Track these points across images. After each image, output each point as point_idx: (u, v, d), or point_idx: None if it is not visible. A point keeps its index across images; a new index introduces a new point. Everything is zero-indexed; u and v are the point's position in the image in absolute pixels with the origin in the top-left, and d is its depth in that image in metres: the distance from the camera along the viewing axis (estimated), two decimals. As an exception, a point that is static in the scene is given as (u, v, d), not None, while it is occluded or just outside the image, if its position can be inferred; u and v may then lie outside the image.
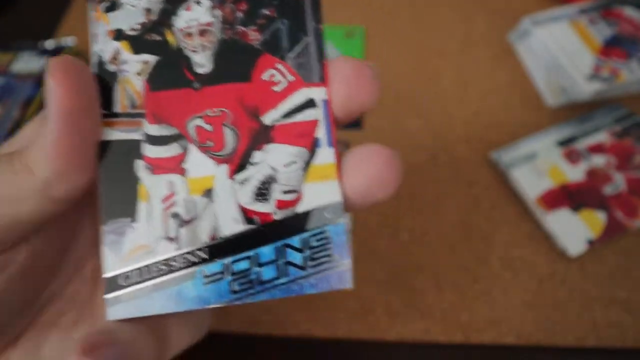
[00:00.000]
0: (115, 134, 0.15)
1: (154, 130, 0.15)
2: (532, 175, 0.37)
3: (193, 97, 0.15)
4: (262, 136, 0.15)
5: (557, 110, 0.42)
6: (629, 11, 0.43)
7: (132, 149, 0.15)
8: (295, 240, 0.14)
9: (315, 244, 0.14)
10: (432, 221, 0.36)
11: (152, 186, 0.15)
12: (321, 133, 0.15)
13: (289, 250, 0.14)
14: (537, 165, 0.37)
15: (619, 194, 0.36)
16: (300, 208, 0.15)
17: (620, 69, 0.40)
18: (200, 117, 0.15)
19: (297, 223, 0.14)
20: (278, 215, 0.15)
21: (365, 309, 0.33)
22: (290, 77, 0.15)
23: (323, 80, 0.15)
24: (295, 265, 0.14)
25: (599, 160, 0.38)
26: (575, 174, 0.37)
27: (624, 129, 0.39)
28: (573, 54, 0.41)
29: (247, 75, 0.15)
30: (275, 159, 0.15)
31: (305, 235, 0.14)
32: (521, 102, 0.43)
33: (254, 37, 0.15)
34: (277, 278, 0.14)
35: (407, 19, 0.50)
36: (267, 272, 0.14)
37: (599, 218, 0.35)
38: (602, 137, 0.39)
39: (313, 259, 0.14)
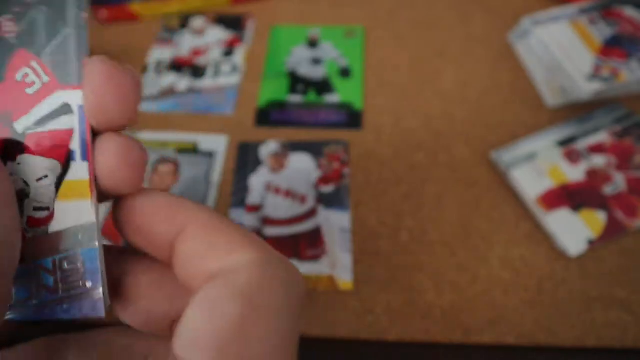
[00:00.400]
0: None
1: None
2: (532, 175, 0.37)
3: None
4: (15, 146, 0.13)
5: (557, 110, 0.42)
6: (629, 11, 0.43)
7: None
8: (48, 262, 0.13)
9: (67, 267, 0.13)
10: (432, 221, 0.36)
11: None
12: (76, 144, 0.13)
13: (42, 272, 0.13)
14: (537, 165, 0.37)
15: (619, 194, 0.36)
16: (53, 227, 0.13)
17: (620, 69, 0.40)
18: None
19: (49, 243, 0.13)
20: (30, 234, 0.13)
21: (365, 309, 0.33)
22: (45, 78, 0.13)
23: (81, 82, 0.13)
24: (47, 288, 0.13)
25: (599, 160, 0.38)
26: (575, 174, 0.37)
27: (624, 129, 0.39)
28: (573, 54, 0.41)
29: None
30: (28, 172, 0.13)
31: (57, 257, 0.13)
32: (521, 102, 0.43)
33: (9, 28, 0.13)
34: (29, 299, 0.13)
35: (407, 19, 0.50)
36: (20, 293, 0.13)
37: (599, 218, 0.35)
38: (602, 137, 0.39)
39: (65, 283, 0.13)
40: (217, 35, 0.50)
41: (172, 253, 0.13)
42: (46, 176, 0.13)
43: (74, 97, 0.13)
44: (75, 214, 0.13)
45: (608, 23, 0.43)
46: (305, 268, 0.34)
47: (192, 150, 0.41)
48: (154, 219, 0.13)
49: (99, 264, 0.13)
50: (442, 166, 0.39)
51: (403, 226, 0.36)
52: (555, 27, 0.43)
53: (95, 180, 0.13)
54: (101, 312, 0.13)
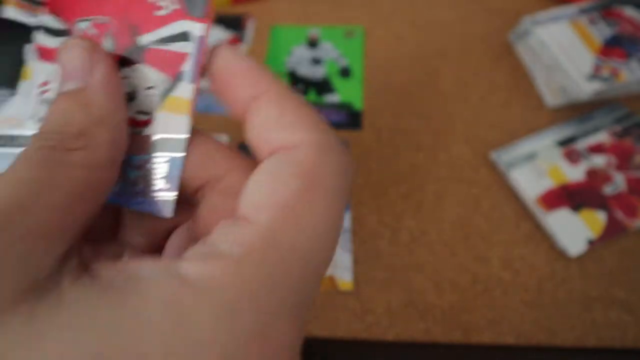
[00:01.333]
0: (15, 13, 0.16)
1: (50, 21, 0.16)
2: (532, 175, 0.37)
3: (89, 0, 0.16)
4: (135, 54, 0.15)
5: (557, 110, 0.42)
6: (629, 11, 0.43)
7: (26, 32, 0.16)
8: (136, 158, 0.15)
9: (151, 167, 0.15)
10: (432, 221, 0.36)
11: (35, 70, 0.16)
12: (187, 67, 0.15)
13: (127, 166, 0.15)
14: (537, 165, 0.37)
15: (619, 194, 0.36)
16: (148, 131, 0.15)
17: (620, 69, 0.40)
18: (89, 20, 0.16)
19: (141, 143, 0.15)
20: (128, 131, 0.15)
21: (365, 309, 0.33)
22: (175, 6, 0.15)
23: (205, 17, 0.15)
24: (129, 180, 0.15)
25: (599, 160, 0.38)
26: (575, 174, 0.37)
27: (624, 129, 0.39)
28: (573, 54, 0.41)
29: None
30: (140, 78, 0.15)
31: (145, 157, 0.15)
32: (521, 102, 0.43)
33: None
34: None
35: (407, 19, 0.50)
36: None
37: (599, 218, 0.35)
38: (602, 137, 0.39)
39: (146, 180, 0.15)
40: (217, 35, 0.50)
41: (245, 116, 0.15)
42: (154, 87, 0.15)
43: (197, 28, 0.15)
44: (173, 125, 0.15)
45: (608, 23, 0.43)
46: (305, 268, 0.34)
47: (192, 150, 0.41)
48: (233, 81, 0.15)
49: (179, 173, 0.15)
50: (442, 166, 0.39)
51: (403, 226, 0.36)
52: (555, 27, 0.43)
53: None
54: (169, 213, 0.15)
